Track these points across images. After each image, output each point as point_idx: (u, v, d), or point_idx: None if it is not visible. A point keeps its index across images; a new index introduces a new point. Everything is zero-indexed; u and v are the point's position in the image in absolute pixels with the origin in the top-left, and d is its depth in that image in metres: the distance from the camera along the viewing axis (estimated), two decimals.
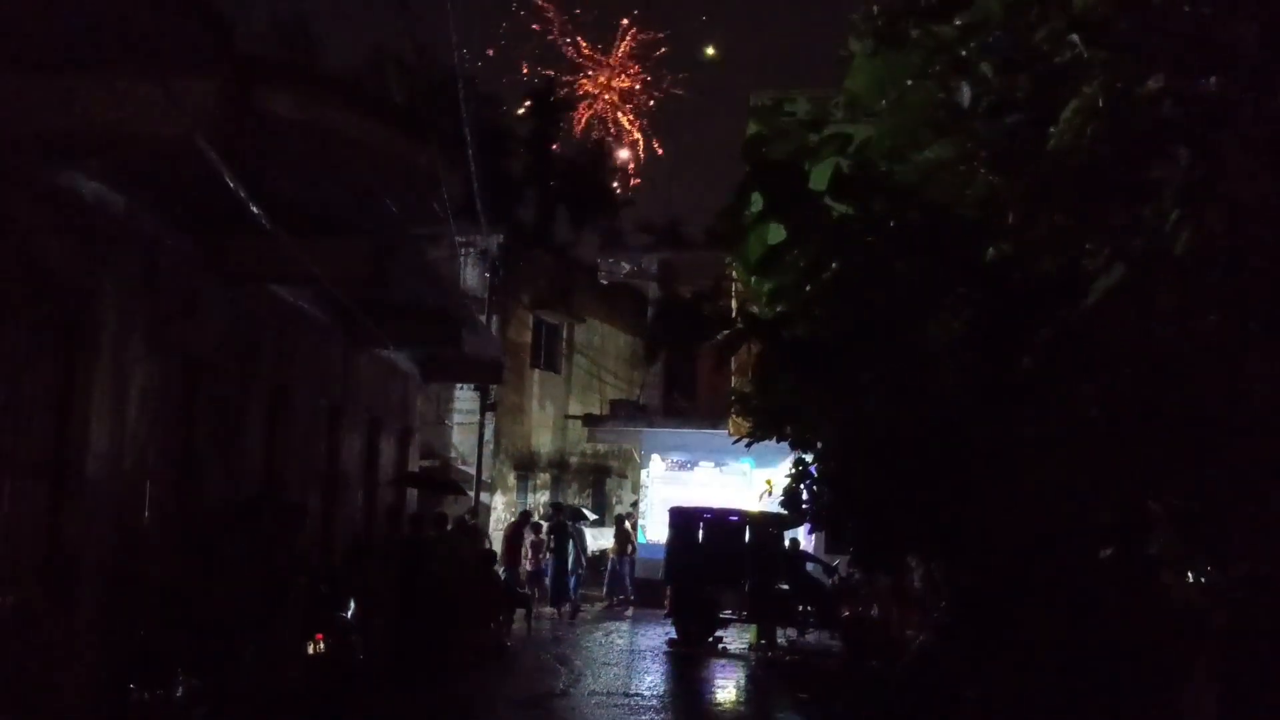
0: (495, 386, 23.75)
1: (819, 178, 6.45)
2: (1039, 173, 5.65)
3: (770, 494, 20.03)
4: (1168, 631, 5.98)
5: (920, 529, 8.71)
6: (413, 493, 18.38)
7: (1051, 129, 5.22)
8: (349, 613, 11.46)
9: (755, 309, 9.11)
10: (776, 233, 7.32)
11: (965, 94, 5.63)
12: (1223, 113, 4.99)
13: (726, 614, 18.62)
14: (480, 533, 20.05)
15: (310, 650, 10.23)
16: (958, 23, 5.80)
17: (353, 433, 15.12)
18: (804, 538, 20.03)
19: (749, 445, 11.54)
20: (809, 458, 12.36)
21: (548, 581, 21.62)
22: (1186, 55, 5.11)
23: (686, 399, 26.59)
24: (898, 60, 6.04)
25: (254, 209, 7.49)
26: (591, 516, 24.63)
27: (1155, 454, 5.69)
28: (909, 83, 5.99)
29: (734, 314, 9.26)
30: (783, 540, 18.71)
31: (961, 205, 6.44)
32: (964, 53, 5.71)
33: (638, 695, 13.58)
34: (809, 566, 19.01)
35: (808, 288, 7.59)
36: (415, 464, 19.35)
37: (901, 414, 7.87)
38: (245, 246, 9.73)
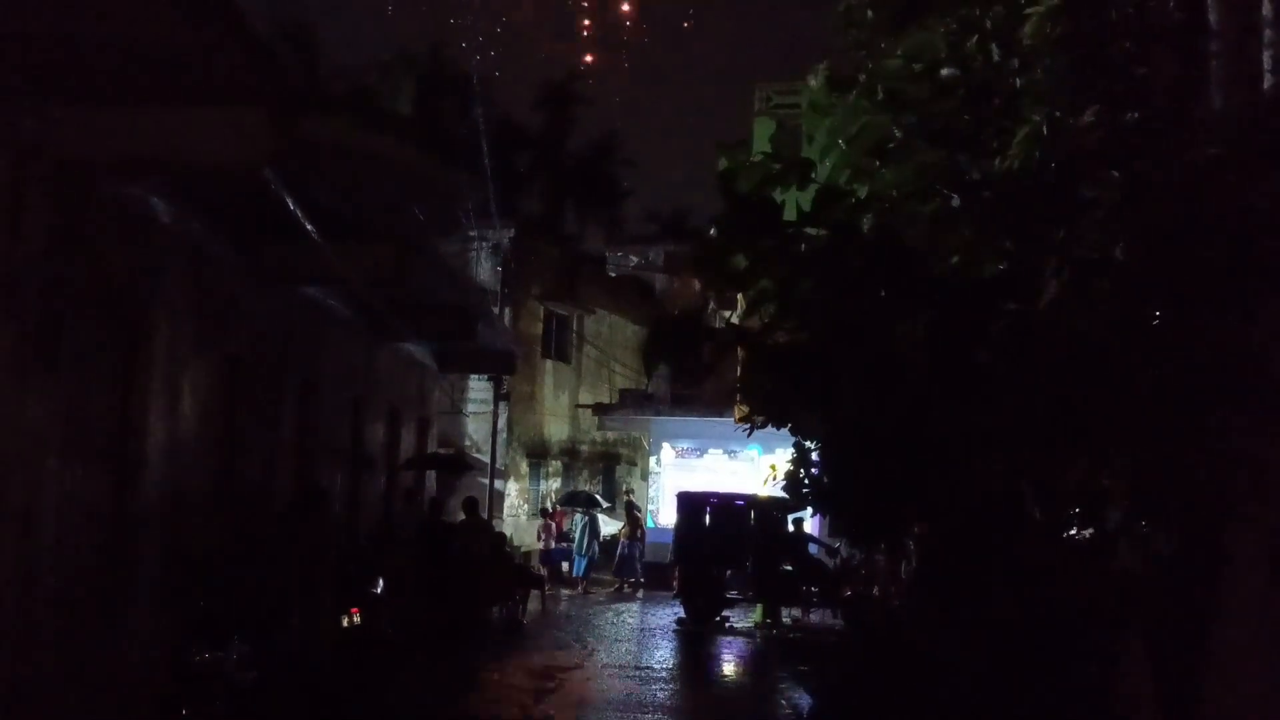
0: (508, 376, 24.52)
1: (790, 208, 7.27)
2: (990, 193, 6.45)
3: (775, 479, 20.78)
4: (1108, 595, 6.71)
5: (901, 508, 9.49)
6: (431, 476, 19.21)
7: (997, 160, 6.02)
8: (378, 589, 12.31)
9: (735, 318, 9.98)
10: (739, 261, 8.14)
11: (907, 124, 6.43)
12: (1144, 141, 5.79)
13: (733, 594, 19.38)
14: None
15: (345, 623, 11.09)
16: (899, 54, 6.62)
17: (375, 422, 15.97)
18: (809, 521, 20.77)
19: (749, 433, 12.28)
20: (809, 444, 13.04)
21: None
22: (1113, 89, 5.91)
23: (692, 388, 27.34)
24: (847, 102, 6.87)
25: (301, 221, 8.30)
26: (605, 504, 25.46)
27: (1102, 436, 6.44)
28: (863, 119, 6.81)
29: (723, 324, 10.15)
30: (787, 523, 19.46)
31: (911, 226, 7.27)
32: (908, 88, 6.51)
33: (648, 668, 14.42)
34: (812, 548, 19.79)
35: (784, 301, 8.37)
36: (431, 452, 20.16)
37: (873, 408, 8.66)
38: (280, 251, 10.56)
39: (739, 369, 20.42)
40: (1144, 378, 5.71)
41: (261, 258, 10.62)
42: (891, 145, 7.34)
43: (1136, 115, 5.85)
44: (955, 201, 6.77)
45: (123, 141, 7.14)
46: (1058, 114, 6.00)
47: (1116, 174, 5.94)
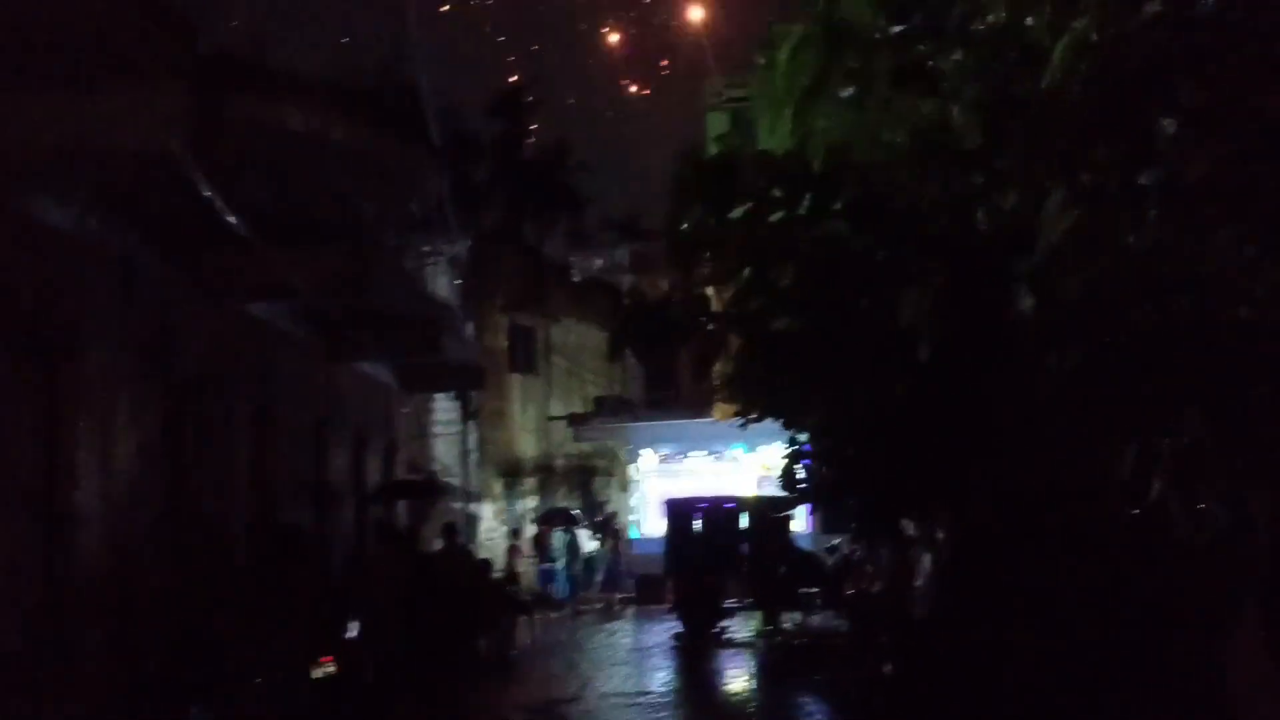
0: (475, 394, 23.52)
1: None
2: (1029, 119, 5.54)
3: (770, 476, 19.91)
4: (1202, 579, 5.87)
5: (924, 491, 8.65)
6: (403, 505, 18.11)
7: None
8: (353, 632, 11.21)
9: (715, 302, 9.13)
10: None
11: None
12: (1223, 36, 4.88)
13: (730, 603, 18.46)
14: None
15: (318, 675, 9.97)
16: None
17: (338, 448, 14.87)
18: (804, 518, 19.96)
19: (744, 426, 11.50)
20: (803, 436, 12.34)
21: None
22: None
23: (668, 390, 26.46)
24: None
25: (228, 217, 7.25)
26: (585, 519, 24.55)
27: (1148, 400, 5.59)
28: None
29: (704, 314, 9.19)
30: (783, 523, 18.59)
31: (881, 175, 6.39)
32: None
33: (651, 693, 13.40)
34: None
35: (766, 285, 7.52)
36: (401, 478, 19.08)
37: (881, 390, 7.81)
38: (222, 263, 9.48)
39: (720, 363, 19.45)
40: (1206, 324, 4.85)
41: (202, 271, 9.53)
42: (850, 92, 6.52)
43: (1211, 3, 4.93)
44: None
45: (16, 136, 6.05)
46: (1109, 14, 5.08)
47: (1187, 80, 5.04)
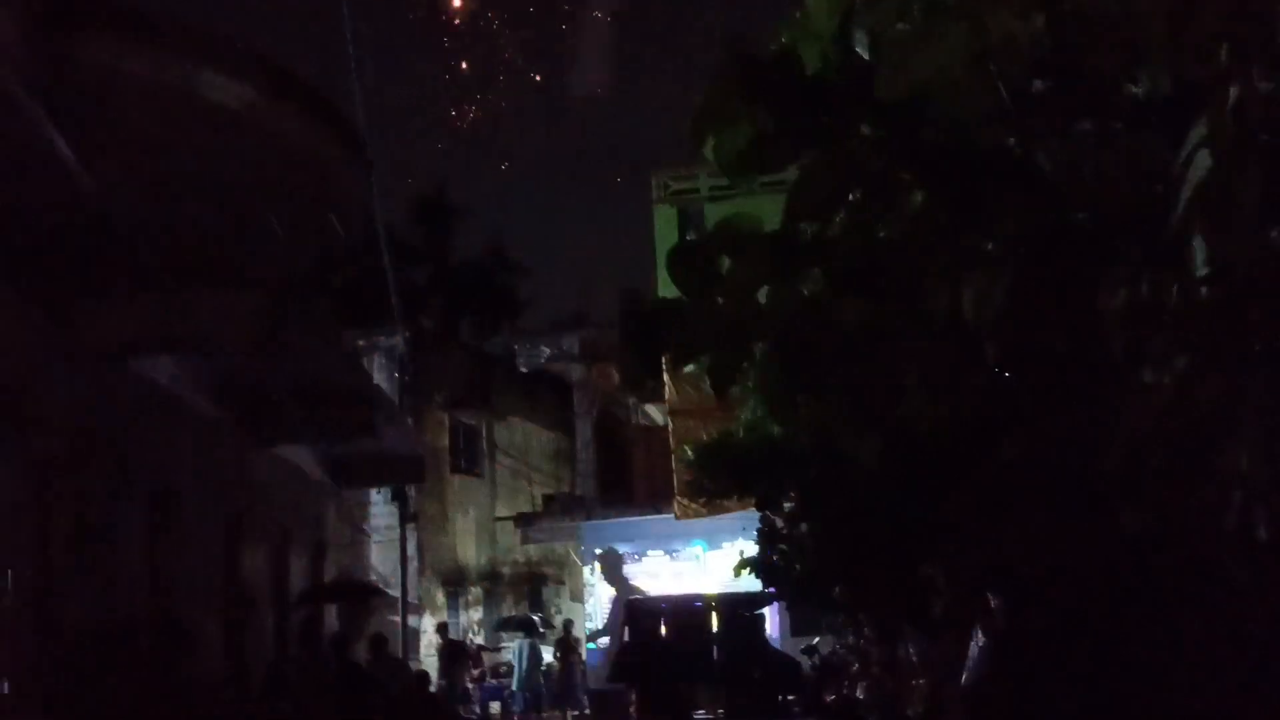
0: (414, 496, 21.73)
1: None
2: None
3: (747, 568, 18.32)
4: None
5: (982, 541, 7.13)
6: (332, 612, 16.17)
7: None
8: None
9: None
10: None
11: None
12: None
13: (700, 715, 16.71)
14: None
15: None
16: None
17: (257, 547, 13.04)
18: (773, 618, 18.38)
19: (704, 502, 10.23)
20: (779, 522, 11.23)
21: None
22: None
23: (622, 489, 24.93)
24: None
25: (99, 230, 5.71)
26: (545, 627, 22.71)
27: None
28: None
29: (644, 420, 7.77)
30: (755, 623, 16.99)
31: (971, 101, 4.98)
32: None
33: None
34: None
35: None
36: (331, 581, 17.16)
37: (943, 411, 6.35)
38: (100, 309, 7.89)
39: (674, 456, 17.75)
40: None
41: (75, 319, 7.92)
42: None
43: None
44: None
45: None
46: None
47: None
